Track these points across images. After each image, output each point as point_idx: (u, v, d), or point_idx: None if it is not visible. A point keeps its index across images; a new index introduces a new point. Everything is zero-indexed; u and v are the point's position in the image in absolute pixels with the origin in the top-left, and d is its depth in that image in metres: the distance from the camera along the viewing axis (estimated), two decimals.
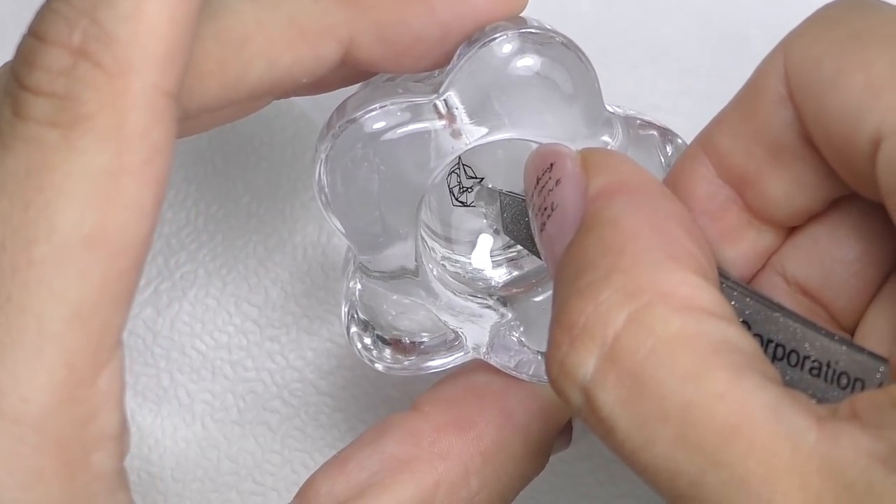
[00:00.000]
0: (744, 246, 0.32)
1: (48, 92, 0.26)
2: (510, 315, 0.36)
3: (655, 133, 0.35)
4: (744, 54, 0.45)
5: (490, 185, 0.36)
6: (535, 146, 0.32)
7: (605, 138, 0.34)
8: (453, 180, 0.37)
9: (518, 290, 0.37)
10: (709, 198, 0.32)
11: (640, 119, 0.35)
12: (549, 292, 0.36)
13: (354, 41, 0.32)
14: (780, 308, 0.30)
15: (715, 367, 0.26)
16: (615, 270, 0.27)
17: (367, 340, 0.35)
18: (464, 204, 0.37)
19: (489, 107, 0.33)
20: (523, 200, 0.33)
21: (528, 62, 0.32)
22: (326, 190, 0.33)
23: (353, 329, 0.35)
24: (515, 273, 0.37)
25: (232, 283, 0.45)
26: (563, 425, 0.36)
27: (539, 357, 0.35)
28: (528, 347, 0.35)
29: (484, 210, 0.36)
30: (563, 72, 0.33)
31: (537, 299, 0.36)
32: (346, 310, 0.35)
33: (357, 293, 0.35)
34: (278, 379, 0.45)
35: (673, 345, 0.26)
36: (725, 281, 0.30)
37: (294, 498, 0.34)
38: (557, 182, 0.30)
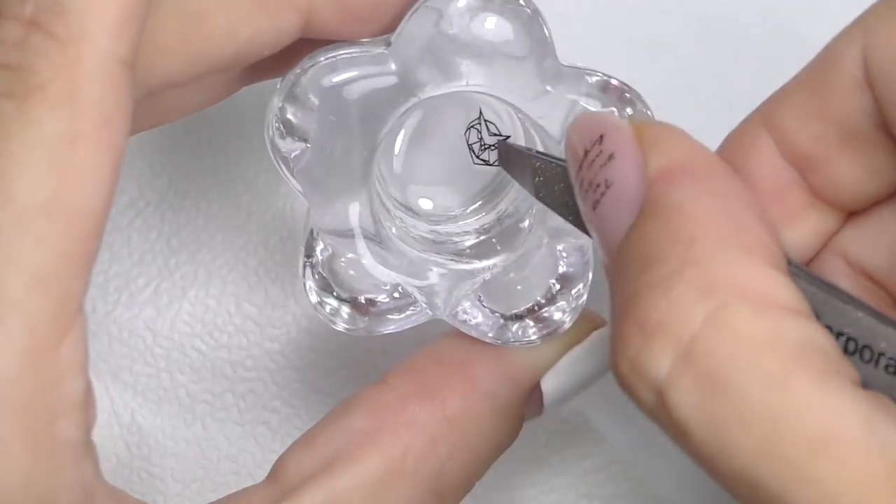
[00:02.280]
0: (805, 228, 0.31)
1: (3, 64, 0.26)
2: (475, 273, 0.36)
3: (614, 93, 0.34)
4: (744, 54, 0.45)
5: (517, 145, 0.35)
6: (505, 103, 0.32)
7: (573, 96, 0.34)
8: (473, 136, 0.36)
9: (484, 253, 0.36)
10: (771, 178, 0.31)
11: (597, 76, 0.34)
12: (516, 255, 0.36)
13: (313, 10, 0.32)
14: (850, 298, 0.28)
15: (801, 373, 0.25)
16: (687, 263, 0.26)
17: (326, 299, 0.35)
18: (486, 162, 0.36)
19: (441, 59, 0.33)
20: (559, 165, 0.31)
21: (479, 14, 0.33)
22: (280, 143, 0.33)
23: (311, 286, 0.35)
24: (482, 237, 0.37)
25: (232, 283, 0.45)
26: (530, 390, 0.35)
27: (500, 319, 0.35)
28: (487, 308, 0.35)
29: (507, 173, 0.35)
30: (514, 24, 0.33)
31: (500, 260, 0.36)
32: (303, 268, 0.35)
33: (318, 252, 0.34)
34: (278, 379, 0.45)
35: (755, 347, 0.25)
36: (790, 267, 0.28)
37: (266, 477, 0.34)
38: (610, 157, 0.29)
